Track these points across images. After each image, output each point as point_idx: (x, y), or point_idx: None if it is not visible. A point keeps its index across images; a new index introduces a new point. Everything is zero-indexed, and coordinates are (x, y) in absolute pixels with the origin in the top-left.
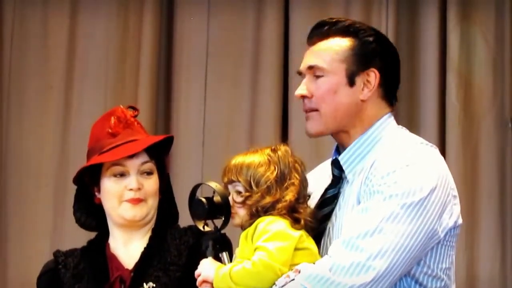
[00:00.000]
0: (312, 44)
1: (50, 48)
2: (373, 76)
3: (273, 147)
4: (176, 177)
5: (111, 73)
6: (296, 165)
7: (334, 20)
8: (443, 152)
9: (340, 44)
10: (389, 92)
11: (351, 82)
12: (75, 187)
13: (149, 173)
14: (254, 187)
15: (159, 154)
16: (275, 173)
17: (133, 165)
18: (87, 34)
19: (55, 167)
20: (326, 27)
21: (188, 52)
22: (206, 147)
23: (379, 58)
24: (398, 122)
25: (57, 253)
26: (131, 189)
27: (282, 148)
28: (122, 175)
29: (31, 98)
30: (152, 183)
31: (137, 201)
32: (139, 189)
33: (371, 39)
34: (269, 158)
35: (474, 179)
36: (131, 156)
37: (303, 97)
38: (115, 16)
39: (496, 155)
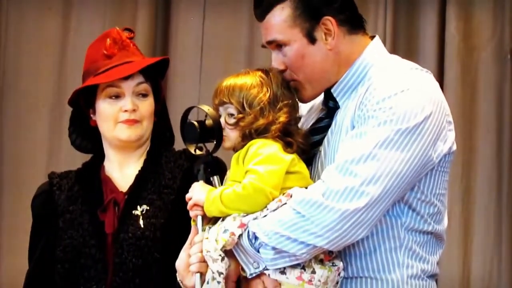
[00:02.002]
0: (261, 20)
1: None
2: (329, 23)
3: (265, 69)
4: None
5: None
6: (288, 87)
7: None
8: (441, 84)
9: (284, 11)
10: (353, 24)
11: (312, 40)
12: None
13: (144, 94)
14: (247, 109)
15: (155, 76)
16: (268, 94)
17: (128, 86)
18: (81, 32)
19: (52, 89)
20: (265, 1)
21: (182, 49)
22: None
23: (326, 3)
24: (396, 52)
25: (51, 175)
26: (126, 111)
27: (274, 70)
28: (117, 96)
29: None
30: (147, 105)
31: (132, 122)
32: (134, 110)
33: None
34: (261, 79)
35: (472, 111)
36: (126, 78)
37: (280, 71)
38: (109, 14)
39: (494, 87)
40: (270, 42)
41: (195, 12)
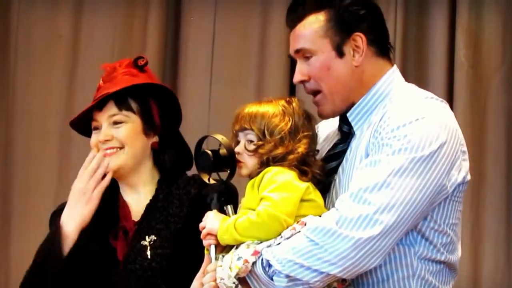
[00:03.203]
0: (292, 28)
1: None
2: (359, 40)
3: (287, 99)
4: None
5: None
6: (309, 118)
7: None
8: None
9: (317, 21)
10: (382, 47)
11: (340, 53)
12: (79, 141)
13: (118, 122)
14: (267, 137)
15: (144, 97)
16: (289, 124)
17: (102, 118)
18: (92, 33)
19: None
20: (299, 8)
21: (193, 52)
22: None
23: (359, 20)
24: (406, 79)
25: None
26: (100, 141)
27: (296, 100)
28: (97, 128)
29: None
30: (121, 132)
31: (110, 153)
32: (107, 140)
33: (344, 4)
34: (283, 109)
35: (482, 139)
36: (100, 109)
37: (302, 82)
38: (120, 15)
39: (504, 116)
40: (297, 51)
41: (206, 15)
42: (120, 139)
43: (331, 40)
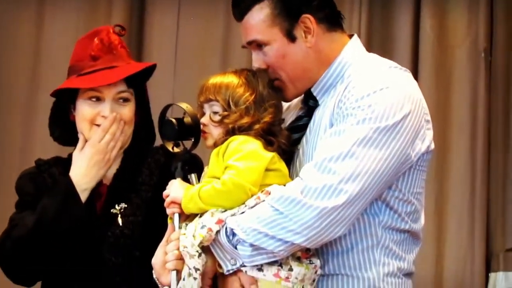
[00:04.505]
0: (240, 20)
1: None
2: (308, 21)
3: (251, 69)
4: None
5: None
6: (273, 87)
7: None
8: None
9: (262, 11)
10: (332, 21)
11: (292, 38)
12: (45, 106)
13: (126, 99)
14: (232, 107)
15: (139, 80)
16: (254, 94)
17: (109, 92)
18: (54, 33)
19: (25, 87)
20: (243, 1)
21: (157, 50)
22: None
23: (303, 1)
24: (371, 50)
25: (39, 161)
26: (103, 116)
27: (261, 71)
28: (98, 99)
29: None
30: (127, 111)
31: None
32: None
33: None
34: (248, 79)
35: (447, 109)
36: (108, 84)
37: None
38: (84, 13)
39: (468, 86)
40: (250, 43)
41: (169, 12)
42: (124, 117)
43: (280, 27)
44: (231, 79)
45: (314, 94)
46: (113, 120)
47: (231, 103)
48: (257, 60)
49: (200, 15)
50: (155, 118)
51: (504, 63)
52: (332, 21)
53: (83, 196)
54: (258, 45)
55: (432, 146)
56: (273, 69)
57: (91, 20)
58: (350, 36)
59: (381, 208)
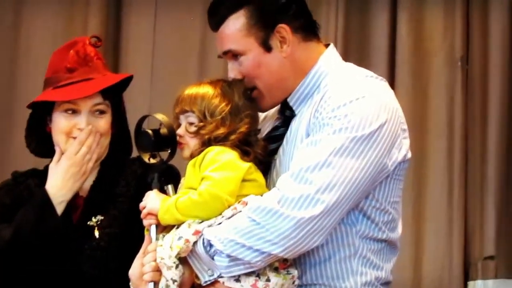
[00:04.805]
0: (216, 30)
1: None
2: (283, 31)
3: (227, 80)
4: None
5: None
6: (250, 98)
7: None
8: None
9: (239, 20)
10: (308, 31)
11: (267, 48)
12: (22, 117)
13: (102, 111)
14: (208, 118)
15: (116, 91)
16: (230, 104)
17: (85, 105)
18: (31, 35)
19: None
20: (218, 9)
21: (134, 54)
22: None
23: (280, 11)
24: (348, 58)
25: (15, 173)
26: (79, 129)
27: (237, 81)
28: (74, 112)
29: None
30: (103, 123)
31: None
32: None
33: None
34: (223, 89)
35: (423, 117)
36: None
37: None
38: (60, 16)
39: (445, 94)
40: (225, 52)
41: (146, 15)
42: (100, 129)
43: (256, 37)
44: (207, 90)
45: (291, 104)
46: (89, 132)
47: (207, 114)
48: (232, 70)
49: (176, 23)
50: (132, 128)
51: (480, 72)
52: (308, 30)
53: (60, 208)
54: (234, 55)
55: (409, 155)
56: (249, 79)
57: (68, 27)
58: (326, 45)
59: (358, 218)
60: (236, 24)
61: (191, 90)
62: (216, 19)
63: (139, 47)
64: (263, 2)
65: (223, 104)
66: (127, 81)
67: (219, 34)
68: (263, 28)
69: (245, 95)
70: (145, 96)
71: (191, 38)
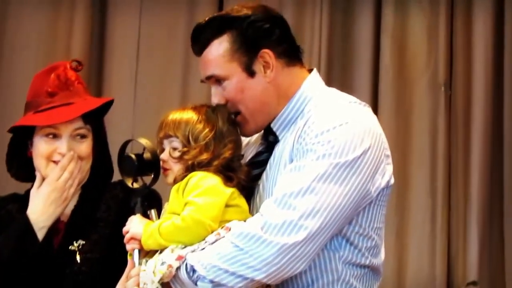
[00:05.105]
0: (199, 55)
1: None
2: (267, 56)
3: (210, 105)
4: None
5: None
6: (233, 123)
7: (206, 21)
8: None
9: (222, 45)
10: (292, 56)
11: (251, 73)
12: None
13: (83, 136)
14: (192, 143)
15: (97, 115)
16: (214, 130)
17: (66, 129)
18: (15, 32)
19: None
20: (202, 34)
21: (119, 54)
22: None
23: (264, 36)
24: (331, 83)
25: None
26: (60, 153)
27: (220, 107)
28: (55, 136)
29: None
30: (84, 147)
31: None
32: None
33: (246, 23)
34: (207, 115)
35: (406, 142)
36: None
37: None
38: (45, 18)
39: (428, 120)
40: (209, 77)
41: (131, 16)
42: (82, 154)
43: (239, 62)
44: (191, 115)
45: (274, 129)
46: (71, 158)
47: (190, 139)
48: (216, 95)
49: (162, 21)
50: (115, 152)
51: (464, 97)
52: (292, 55)
53: (41, 234)
54: (217, 80)
55: (392, 181)
56: (232, 104)
57: (52, 26)
58: (310, 70)
59: (341, 243)
60: (219, 49)
61: (175, 115)
62: (200, 44)
63: (124, 48)
64: (247, 27)
65: (207, 130)
66: (108, 105)
67: (202, 58)
68: (247, 53)
69: (229, 121)
70: (130, 97)
71: (177, 39)
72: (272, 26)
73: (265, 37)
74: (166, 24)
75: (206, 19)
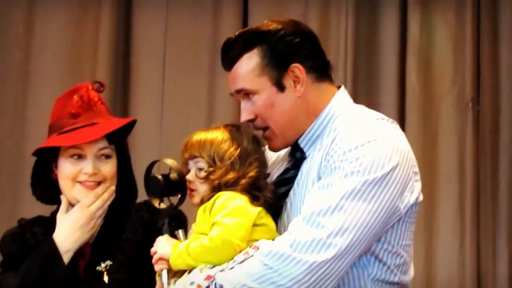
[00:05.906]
0: (229, 69)
1: (6, 46)
2: (297, 70)
3: (235, 124)
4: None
5: (66, 69)
6: (257, 142)
7: (235, 36)
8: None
9: (252, 60)
10: (321, 71)
11: (281, 88)
12: (31, 164)
13: (107, 156)
14: (217, 163)
15: (120, 135)
16: (238, 149)
17: (90, 149)
18: (44, 30)
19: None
20: (231, 49)
21: (146, 46)
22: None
23: (294, 50)
24: (357, 100)
25: (22, 221)
26: (85, 173)
27: (245, 126)
28: (80, 157)
29: None
30: (109, 167)
31: (92, 186)
32: (94, 173)
33: (276, 37)
34: (232, 134)
35: (434, 161)
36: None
37: (249, 120)
38: (72, 12)
39: (455, 137)
40: (238, 91)
41: (158, 12)
42: (106, 174)
43: (269, 76)
44: (215, 135)
45: (301, 145)
46: (106, 188)
47: (216, 159)
48: (245, 110)
49: (188, 13)
50: (141, 174)
51: (491, 113)
52: (321, 71)
53: (66, 257)
54: (246, 93)
55: (421, 197)
56: (261, 119)
57: (80, 26)
58: (338, 87)
59: (370, 261)
60: (249, 64)
61: (200, 136)
62: (230, 58)
63: (150, 46)
64: (276, 41)
65: (232, 149)
66: (131, 125)
67: (232, 73)
68: (277, 68)
69: (253, 140)
70: (158, 88)
71: (202, 37)
72: (302, 40)
73: (295, 52)
74: (192, 21)
75: (236, 34)
